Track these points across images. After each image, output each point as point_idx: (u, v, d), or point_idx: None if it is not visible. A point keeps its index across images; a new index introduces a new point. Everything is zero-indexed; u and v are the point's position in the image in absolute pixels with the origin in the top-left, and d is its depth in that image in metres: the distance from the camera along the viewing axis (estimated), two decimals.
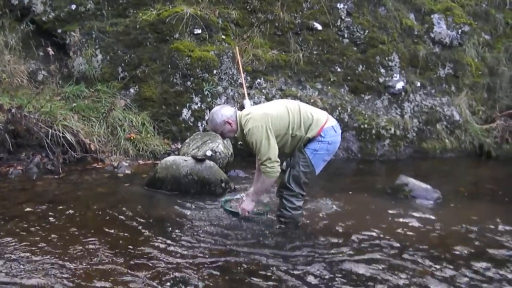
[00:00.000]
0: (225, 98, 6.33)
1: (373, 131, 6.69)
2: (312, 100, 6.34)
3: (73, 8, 6.58)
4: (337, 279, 2.91)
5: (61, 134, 5.27)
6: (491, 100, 7.66)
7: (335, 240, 3.52)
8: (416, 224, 3.96)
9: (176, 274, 2.87)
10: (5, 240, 3.23)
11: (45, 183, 4.69)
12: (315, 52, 6.82)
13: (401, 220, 4.06)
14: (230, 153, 5.51)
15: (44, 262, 2.93)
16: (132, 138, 5.81)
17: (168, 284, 2.74)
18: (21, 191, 4.40)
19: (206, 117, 5.99)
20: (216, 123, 3.64)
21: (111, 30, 6.50)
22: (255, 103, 5.92)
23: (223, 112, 3.64)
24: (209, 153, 5.17)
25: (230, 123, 3.62)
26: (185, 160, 4.64)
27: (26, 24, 6.57)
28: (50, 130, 5.24)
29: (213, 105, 6.06)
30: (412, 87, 7.07)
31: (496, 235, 3.76)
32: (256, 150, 3.54)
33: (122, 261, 3.00)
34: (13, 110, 5.05)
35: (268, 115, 3.54)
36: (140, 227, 3.62)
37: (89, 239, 3.32)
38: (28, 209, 3.87)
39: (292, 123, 3.57)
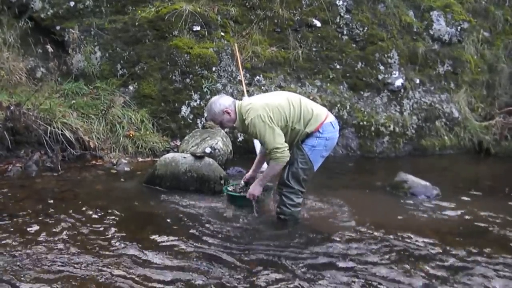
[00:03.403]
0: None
1: (372, 128, 6.69)
2: (311, 97, 6.31)
3: (72, 5, 6.57)
4: (335, 275, 2.91)
5: (60, 132, 5.26)
6: (490, 97, 7.66)
7: (334, 237, 3.53)
8: (415, 221, 3.97)
9: (176, 270, 2.87)
10: (4, 237, 3.23)
11: (44, 180, 4.69)
12: (314, 49, 6.82)
13: (400, 217, 4.06)
14: (229, 150, 5.51)
15: (44, 258, 2.93)
16: (131, 135, 5.81)
17: (168, 280, 2.75)
18: (20, 188, 4.40)
19: (205, 114, 5.99)
20: (214, 112, 3.63)
21: (110, 27, 6.48)
22: None
23: (222, 101, 3.63)
24: (208, 150, 5.17)
25: (228, 113, 3.60)
26: (184, 157, 4.64)
27: (24, 21, 6.56)
28: (49, 128, 5.23)
29: None
30: (411, 84, 7.07)
31: (496, 232, 3.77)
32: (262, 140, 3.51)
33: (122, 258, 3.00)
34: (12, 107, 5.04)
35: (269, 105, 3.51)
36: (139, 224, 3.63)
37: (88, 236, 3.33)
38: (27, 206, 3.87)
39: (293, 116, 3.54)
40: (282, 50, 6.73)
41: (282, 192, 3.71)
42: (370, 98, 6.91)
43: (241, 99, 5.89)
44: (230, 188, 4.09)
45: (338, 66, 6.85)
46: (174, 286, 2.69)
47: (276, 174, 3.70)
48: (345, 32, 6.94)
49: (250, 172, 4.05)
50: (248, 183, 3.97)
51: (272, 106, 3.51)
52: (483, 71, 7.63)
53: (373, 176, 5.69)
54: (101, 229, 3.48)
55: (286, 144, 3.50)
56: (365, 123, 6.67)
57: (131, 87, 6.34)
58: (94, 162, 5.37)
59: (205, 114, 5.99)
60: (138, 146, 5.78)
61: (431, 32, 7.34)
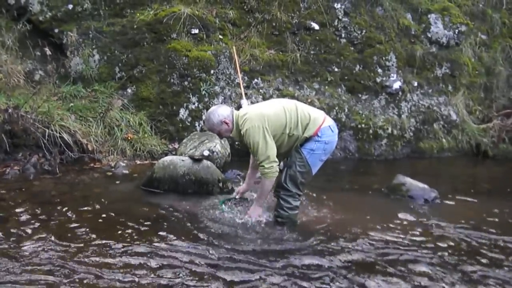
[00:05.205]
0: (222, 98, 6.33)
1: (371, 131, 6.71)
2: (309, 100, 6.35)
3: (70, 8, 6.56)
4: (335, 278, 2.91)
5: (58, 134, 5.26)
6: (488, 99, 7.69)
7: (332, 240, 3.53)
8: (413, 223, 3.98)
9: (172, 273, 2.87)
10: (2, 240, 3.22)
11: (42, 183, 4.68)
12: (312, 52, 6.82)
13: (398, 219, 4.07)
14: (227, 153, 5.51)
15: (42, 262, 2.93)
16: (129, 138, 5.80)
17: (165, 283, 2.74)
18: (18, 191, 4.39)
19: (204, 117, 5.98)
20: (213, 123, 3.65)
21: (108, 30, 6.48)
22: (252, 103, 5.92)
23: (220, 112, 3.64)
24: (206, 153, 5.17)
25: (227, 123, 3.63)
26: (183, 160, 4.64)
27: (22, 24, 6.54)
28: (47, 130, 5.23)
29: (210, 105, 6.07)
30: (409, 86, 7.08)
31: (493, 234, 3.78)
32: (254, 150, 3.55)
33: (119, 261, 3.00)
34: (10, 110, 5.04)
35: (265, 115, 3.54)
36: (137, 227, 3.62)
37: (86, 240, 3.32)
38: (25, 209, 3.86)
39: (289, 123, 3.57)
40: (280, 53, 6.74)
41: (279, 195, 3.72)
42: (368, 100, 6.92)
43: (239, 102, 5.96)
44: (226, 207, 4.04)
45: (336, 69, 6.86)
46: None
47: (269, 190, 3.72)
48: (343, 35, 6.96)
49: (244, 185, 4.11)
50: (242, 197, 4.09)
51: (268, 116, 3.54)
52: (480, 74, 7.65)
53: (371, 179, 5.69)
54: (99, 232, 3.47)
55: (276, 160, 3.53)
56: (363, 125, 6.68)
57: (129, 90, 6.34)
58: (92, 165, 5.37)
59: (204, 117, 5.98)
60: (136, 149, 5.77)
61: (429, 35, 7.36)
